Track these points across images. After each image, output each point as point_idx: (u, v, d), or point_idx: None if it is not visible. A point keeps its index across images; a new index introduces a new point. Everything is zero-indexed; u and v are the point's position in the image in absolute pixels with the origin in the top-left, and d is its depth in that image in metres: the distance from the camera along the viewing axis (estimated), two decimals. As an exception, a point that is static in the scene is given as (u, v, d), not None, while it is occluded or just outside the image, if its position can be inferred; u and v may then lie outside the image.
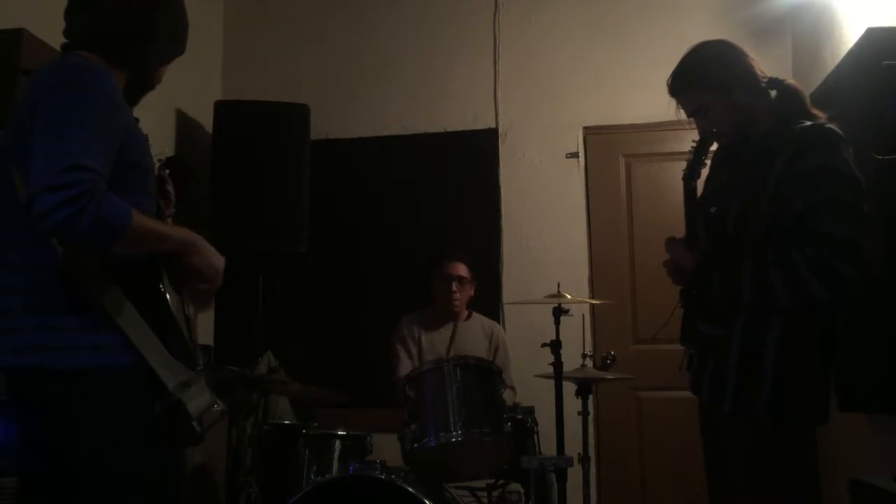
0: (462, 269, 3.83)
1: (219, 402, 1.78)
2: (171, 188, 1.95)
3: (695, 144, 2.25)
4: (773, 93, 2.24)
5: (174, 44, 1.93)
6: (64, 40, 1.86)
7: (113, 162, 1.64)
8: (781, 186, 2.07)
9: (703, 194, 2.32)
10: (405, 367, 3.68)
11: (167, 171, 2.02)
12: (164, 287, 1.73)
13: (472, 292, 3.88)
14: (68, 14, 1.84)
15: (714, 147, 2.35)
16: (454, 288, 3.79)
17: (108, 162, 1.63)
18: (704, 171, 2.35)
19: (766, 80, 2.23)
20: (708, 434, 2.30)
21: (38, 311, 1.65)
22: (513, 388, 3.68)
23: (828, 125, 2.13)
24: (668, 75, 2.30)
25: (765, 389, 2.05)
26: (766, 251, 2.06)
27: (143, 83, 1.89)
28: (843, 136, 2.10)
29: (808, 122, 2.13)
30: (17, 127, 1.69)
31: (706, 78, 2.23)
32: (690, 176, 2.24)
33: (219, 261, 1.81)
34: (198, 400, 1.72)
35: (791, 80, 2.26)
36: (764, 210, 2.09)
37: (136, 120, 1.82)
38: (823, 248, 1.99)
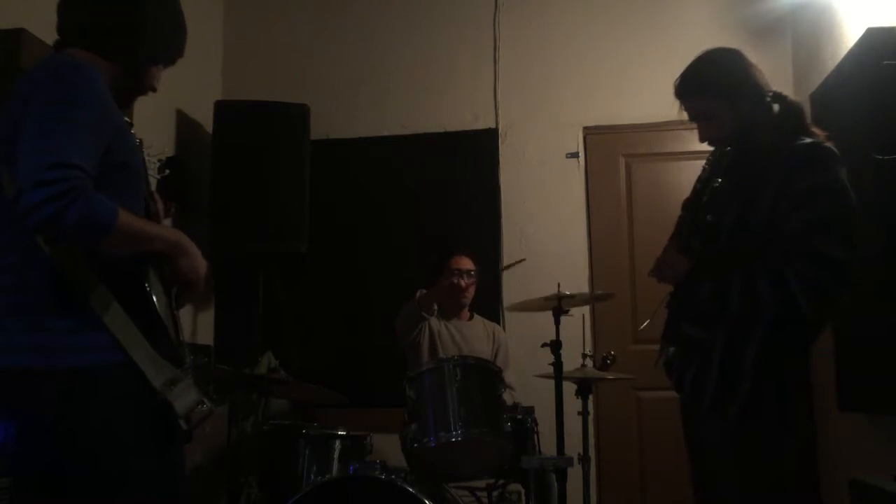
0: (470, 263, 3.89)
1: (206, 400, 1.77)
2: (160, 207, 1.92)
3: (707, 167, 2.28)
4: (776, 107, 2.25)
5: (165, 41, 1.91)
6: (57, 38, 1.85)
7: (100, 161, 1.64)
8: (777, 203, 2.09)
9: (700, 200, 2.32)
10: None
11: (167, 172, 2.00)
12: (150, 286, 1.73)
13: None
14: (59, 11, 1.84)
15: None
16: (465, 279, 3.83)
17: (95, 161, 1.62)
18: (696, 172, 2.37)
19: (770, 93, 2.25)
20: (689, 432, 2.33)
21: (29, 313, 1.65)
22: (512, 389, 3.68)
23: (825, 144, 2.15)
24: (675, 76, 2.30)
25: (742, 391, 2.09)
26: (756, 263, 2.09)
27: (134, 83, 1.87)
28: (839, 156, 2.12)
29: (807, 140, 2.15)
30: (8, 127, 1.67)
31: (717, 85, 2.24)
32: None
33: (201, 265, 1.81)
34: (184, 398, 1.72)
35: (794, 97, 2.27)
36: (758, 224, 2.11)
37: (130, 124, 1.81)
38: (815, 267, 2.02)
